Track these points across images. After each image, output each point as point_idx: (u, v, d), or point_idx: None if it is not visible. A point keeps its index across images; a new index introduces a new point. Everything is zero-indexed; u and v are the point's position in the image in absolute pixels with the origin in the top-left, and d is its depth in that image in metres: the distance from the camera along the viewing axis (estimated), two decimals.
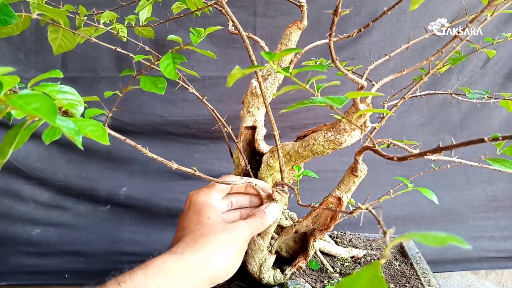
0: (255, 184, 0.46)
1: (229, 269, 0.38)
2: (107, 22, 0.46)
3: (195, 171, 0.38)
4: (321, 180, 1.00)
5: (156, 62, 0.35)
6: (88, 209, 1.03)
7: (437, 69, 0.54)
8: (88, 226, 1.02)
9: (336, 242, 0.67)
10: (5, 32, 0.41)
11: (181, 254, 0.35)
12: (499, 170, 0.35)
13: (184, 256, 0.35)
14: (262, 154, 0.53)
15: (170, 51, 0.34)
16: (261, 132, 0.53)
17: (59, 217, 1.02)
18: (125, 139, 0.33)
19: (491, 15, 0.43)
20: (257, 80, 0.41)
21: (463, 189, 1.06)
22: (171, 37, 0.35)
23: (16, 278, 1.02)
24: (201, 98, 0.50)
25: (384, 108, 0.50)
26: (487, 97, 0.51)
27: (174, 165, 0.36)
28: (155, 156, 0.36)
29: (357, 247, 0.66)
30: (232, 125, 1.05)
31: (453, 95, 0.54)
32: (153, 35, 0.52)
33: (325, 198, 0.47)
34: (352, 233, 0.72)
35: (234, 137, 0.53)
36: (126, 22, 0.49)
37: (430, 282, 0.57)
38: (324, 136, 0.43)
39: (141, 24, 0.49)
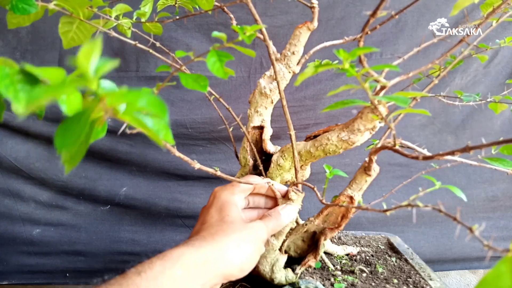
0: (272, 184, 0.46)
1: (244, 268, 0.38)
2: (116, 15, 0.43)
3: (216, 171, 0.38)
4: (321, 181, 0.99)
5: (196, 59, 0.32)
6: (88, 209, 1.03)
7: (437, 71, 0.54)
8: (88, 226, 1.03)
9: None
10: (15, 23, 0.38)
11: (198, 247, 0.35)
12: (495, 169, 0.35)
13: (202, 249, 0.35)
14: (268, 154, 0.52)
15: (211, 48, 0.31)
16: (268, 132, 0.53)
17: (59, 217, 1.02)
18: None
19: (496, 22, 0.43)
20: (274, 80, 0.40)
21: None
22: (215, 33, 0.34)
23: (17, 277, 1.03)
24: (218, 97, 0.50)
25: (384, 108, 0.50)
26: (484, 100, 0.51)
27: (197, 165, 0.35)
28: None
29: (347, 244, 0.66)
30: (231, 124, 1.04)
31: (446, 99, 0.54)
32: (161, 32, 0.50)
33: (336, 197, 0.47)
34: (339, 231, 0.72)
35: (247, 136, 0.52)
36: (134, 17, 0.47)
37: (430, 276, 0.57)
38: (338, 136, 0.44)
39: (143, 20, 0.47)
